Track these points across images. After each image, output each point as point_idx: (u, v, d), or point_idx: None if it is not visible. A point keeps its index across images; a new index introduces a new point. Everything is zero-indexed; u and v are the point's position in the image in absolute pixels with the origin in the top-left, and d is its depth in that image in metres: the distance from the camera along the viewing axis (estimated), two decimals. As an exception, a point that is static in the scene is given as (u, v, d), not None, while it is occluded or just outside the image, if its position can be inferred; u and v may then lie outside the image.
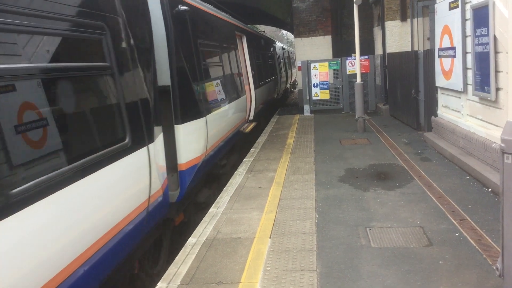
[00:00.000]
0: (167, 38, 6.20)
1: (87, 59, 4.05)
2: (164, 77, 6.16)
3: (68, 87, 3.65)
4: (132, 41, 4.69)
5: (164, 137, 5.59)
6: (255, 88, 13.55)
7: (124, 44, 4.54)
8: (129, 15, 4.70)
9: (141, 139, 4.66)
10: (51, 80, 3.38)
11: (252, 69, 13.56)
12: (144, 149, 4.70)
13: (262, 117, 16.22)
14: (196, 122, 6.66)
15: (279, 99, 23.24)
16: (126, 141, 4.34)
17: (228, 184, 7.74)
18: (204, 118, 6.95)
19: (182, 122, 6.24)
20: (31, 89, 3.14)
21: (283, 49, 30.10)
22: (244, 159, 9.54)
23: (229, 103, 9.28)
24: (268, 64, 19.18)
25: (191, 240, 5.40)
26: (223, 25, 10.40)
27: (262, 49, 17.74)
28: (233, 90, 10.13)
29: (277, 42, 27.28)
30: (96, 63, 4.11)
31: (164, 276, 4.56)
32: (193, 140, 6.57)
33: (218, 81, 8.75)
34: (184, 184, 6.28)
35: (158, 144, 5.15)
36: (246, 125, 12.00)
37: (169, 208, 5.70)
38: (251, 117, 12.85)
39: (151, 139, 4.89)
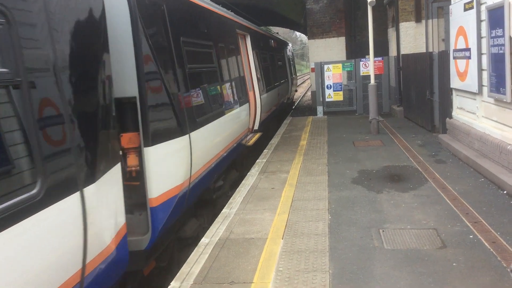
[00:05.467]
0: (133, 36, 4.96)
1: None
2: (129, 86, 4.96)
3: None
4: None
5: (126, 167, 4.81)
6: (261, 94, 12.17)
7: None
8: None
9: (67, 183, 3.28)
10: None
11: (257, 73, 12.16)
12: (74, 197, 3.32)
13: (272, 124, 15.36)
14: (175, 142, 5.43)
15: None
16: (35, 190, 2.95)
17: (241, 185, 7.78)
18: (187, 136, 5.71)
19: (153, 144, 5.00)
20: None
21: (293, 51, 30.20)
22: (257, 160, 9.57)
23: (225, 114, 7.86)
24: (277, 68, 17.89)
25: (204, 240, 5.44)
26: (219, 21, 8.97)
27: (270, 51, 16.48)
28: (231, 98, 8.68)
29: (289, 44, 27.35)
30: None
31: (177, 275, 4.61)
32: (171, 165, 5.32)
33: (210, 88, 7.38)
34: (157, 224, 4.97)
35: (106, 183, 3.84)
36: (249, 136, 10.62)
37: (134, 259, 4.66)
38: (256, 127, 11.49)
39: (90, 179, 3.55)
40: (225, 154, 7.73)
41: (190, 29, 6.77)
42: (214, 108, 7.30)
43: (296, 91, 29.39)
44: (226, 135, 7.87)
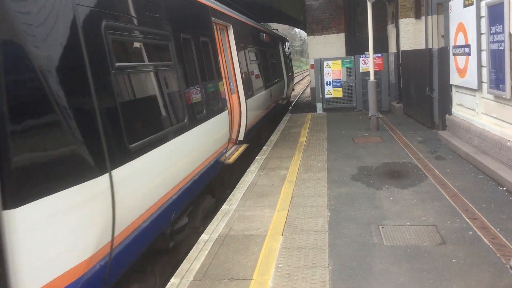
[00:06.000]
0: None
1: None
2: None
3: None
4: None
5: None
6: (248, 97, 10.07)
7: None
8: None
9: None
10: None
11: (243, 72, 10.05)
12: None
13: (265, 129, 13.61)
14: (74, 192, 3.30)
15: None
16: None
17: (240, 182, 7.78)
18: (105, 176, 3.65)
19: (23, 201, 2.93)
20: None
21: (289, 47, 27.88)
22: (257, 157, 9.57)
23: (186, 131, 5.66)
24: (271, 65, 15.76)
25: (204, 237, 5.45)
26: (181, 4, 6.63)
27: (261, 46, 14.19)
28: (198, 106, 6.42)
29: (286, 39, 25.64)
30: None
31: (177, 272, 4.62)
32: (65, 232, 3.23)
33: (160, 96, 5.21)
34: None
35: None
36: (231, 150, 8.58)
37: None
38: (241, 138, 9.46)
39: None
40: (190, 182, 5.72)
41: (124, 12, 4.65)
42: (165, 125, 5.11)
43: (293, 90, 27.69)
44: (190, 159, 5.81)
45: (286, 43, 23.41)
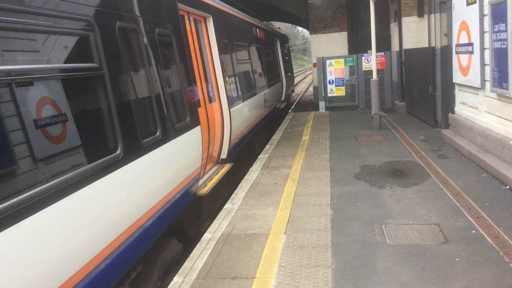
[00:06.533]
0: None
1: None
2: None
3: None
4: None
5: None
6: (233, 105, 8.48)
7: None
8: None
9: None
10: None
11: (226, 75, 8.35)
12: None
13: (258, 138, 12.07)
14: None
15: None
16: None
17: (243, 181, 7.79)
18: None
19: None
20: None
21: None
22: (259, 156, 9.58)
23: (116, 167, 3.90)
24: (265, 65, 13.93)
25: (207, 235, 5.46)
26: None
27: (252, 43, 12.42)
28: (139, 128, 4.43)
29: (284, 35, 23.28)
30: None
31: (180, 270, 4.63)
32: None
33: (75, 117, 3.48)
34: None
35: None
36: (209, 174, 7.12)
37: None
38: (224, 155, 7.89)
39: None
40: (132, 239, 4.10)
41: None
42: (70, 167, 3.34)
43: (293, 91, 25.49)
44: (128, 207, 4.09)
45: (282, 40, 21.12)
